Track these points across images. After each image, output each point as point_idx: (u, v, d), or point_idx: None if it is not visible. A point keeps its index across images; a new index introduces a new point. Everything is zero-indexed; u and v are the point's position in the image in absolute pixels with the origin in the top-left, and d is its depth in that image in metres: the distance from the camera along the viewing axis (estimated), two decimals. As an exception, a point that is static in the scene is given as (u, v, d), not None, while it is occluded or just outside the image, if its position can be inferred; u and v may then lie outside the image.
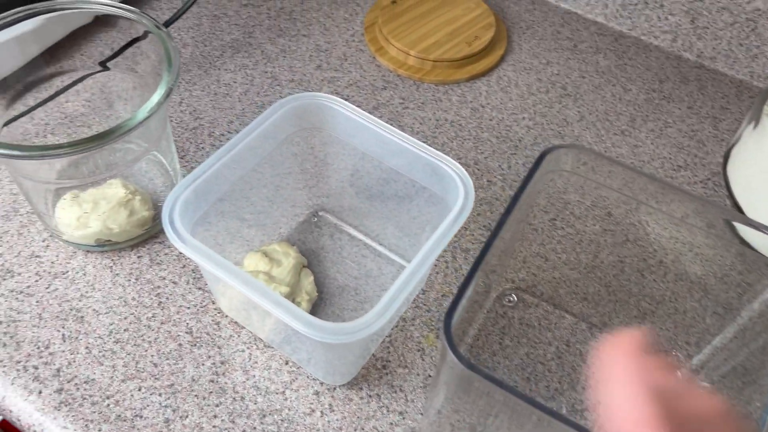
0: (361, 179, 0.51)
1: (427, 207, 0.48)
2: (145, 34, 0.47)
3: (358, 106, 0.61)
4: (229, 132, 0.57)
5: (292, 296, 0.46)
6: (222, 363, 0.44)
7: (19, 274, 0.47)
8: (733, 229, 0.42)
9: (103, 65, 0.53)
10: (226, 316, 0.46)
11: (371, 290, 0.49)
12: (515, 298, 0.50)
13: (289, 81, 0.62)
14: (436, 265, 0.51)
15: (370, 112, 0.60)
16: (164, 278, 0.48)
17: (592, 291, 0.51)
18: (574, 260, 0.52)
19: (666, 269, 0.49)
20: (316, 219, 0.53)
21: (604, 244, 0.51)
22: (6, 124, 0.50)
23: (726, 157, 0.59)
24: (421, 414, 0.43)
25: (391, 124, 0.59)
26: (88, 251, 0.48)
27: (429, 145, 0.58)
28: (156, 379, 0.43)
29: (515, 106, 0.63)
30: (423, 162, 0.44)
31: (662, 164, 0.60)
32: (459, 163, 0.57)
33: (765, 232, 0.39)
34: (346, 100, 0.61)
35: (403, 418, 0.43)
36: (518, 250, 0.51)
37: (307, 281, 0.47)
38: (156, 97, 0.42)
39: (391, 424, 0.43)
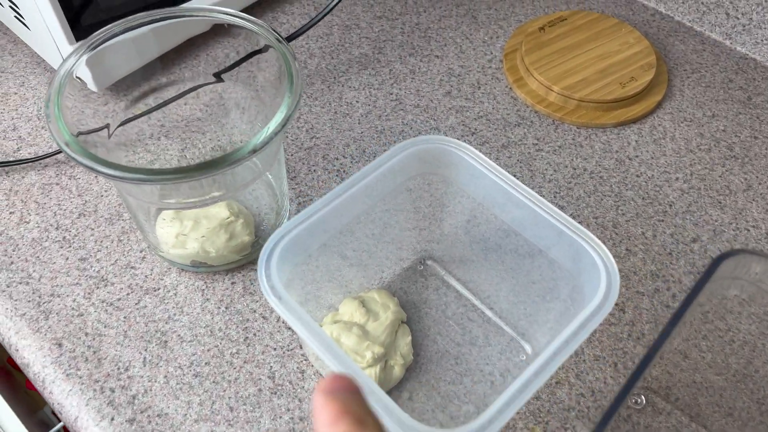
0: (478, 227, 0.46)
1: (550, 272, 0.41)
2: (266, 48, 0.44)
3: (486, 142, 0.55)
4: (343, 156, 0.53)
5: (385, 358, 0.41)
6: (301, 419, 0.40)
7: (113, 284, 0.45)
8: None
9: (218, 77, 0.50)
10: (311, 366, 0.42)
11: (474, 361, 0.43)
12: (644, 400, 0.42)
13: (414, 106, 0.57)
14: (552, 344, 0.44)
15: (498, 151, 0.54)
16: (255, 311, 0.45)
17: (740, 406, 0.42)
18: (722, 363, 0.44)
19: (842, 396, 0.40)
20: (422, 267, 0.48)
21: (762, 349, 0.42)
22: (122, 124, 0.49)
23: None
24: None
25: (521, 167, 0.53)
26: (182, 270, 0.46)
27: (562, 198, 0.52)
28: (230, 425, 0.40)
29: (668, 164, 0.54)
30: (558, 233, 0.37)
31: None
32: (595, 223, 0.50)
33: None
34: (473, 133, 0.55)
35: None
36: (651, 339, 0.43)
37: (404, 342, 0.42)
38: (273, 124, 0.38)
39: None
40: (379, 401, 0.30)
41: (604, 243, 0.49)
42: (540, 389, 0.42)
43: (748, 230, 0.50)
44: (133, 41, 0.46)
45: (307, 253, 0.38)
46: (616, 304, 0.46)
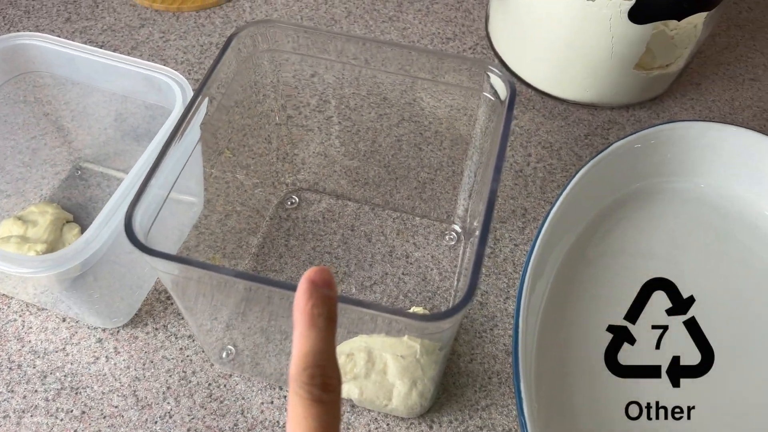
0: (126, 122, 0.49)
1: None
2: None
3: (115, 49, 0.58)
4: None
5: (52, 251, 0.43)
6: (-10, 337, 0.42)
7: None
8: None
9: None
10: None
11: (147, 227, 0.47)
12: (297, 200, 0.50)
13: (35, 41, 0.58)
14: (216, 189, 0.49)
15: (128, 53, 0.57)
16: None
17: (372, 175, 0.51)
18: (353, 150, 0.52)
19: (442, 137, 0.50)
20: (79, 172, 0.50)
21: (381, 128, 0.51)
22: None
23: (486, 19, 0.60)
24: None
25: (154, 60, 0.57)
26: None
27: (196, 72, 0.57)
28: None
29: (280, 16, 0.61)
30: (143, 77, 0.42)
31: (431, 40, 0.60)
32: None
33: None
34: (101, 47, 0.58)
35: (193, 341, 0.42)
36: (293, 153, 0.51)
37: (71, 234, 0.45)
38: None
39: (182, 348, 0.42)
40: (6, 259, 0.33)
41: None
42: (213, 225, 0.47)
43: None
44: None
45: None
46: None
